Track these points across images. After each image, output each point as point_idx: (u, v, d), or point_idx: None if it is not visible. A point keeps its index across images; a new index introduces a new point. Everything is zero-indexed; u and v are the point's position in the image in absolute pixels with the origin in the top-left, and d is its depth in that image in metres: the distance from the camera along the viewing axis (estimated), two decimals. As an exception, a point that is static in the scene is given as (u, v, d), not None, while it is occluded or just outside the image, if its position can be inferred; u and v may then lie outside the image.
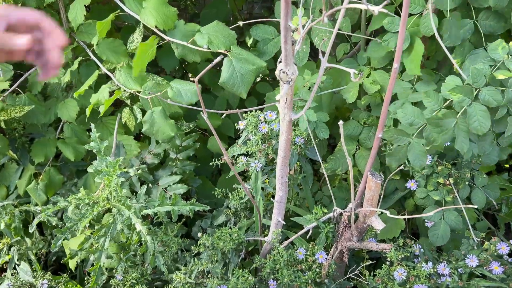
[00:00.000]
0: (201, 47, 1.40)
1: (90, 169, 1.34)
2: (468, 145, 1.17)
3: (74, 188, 1.74)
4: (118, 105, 1.99)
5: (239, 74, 1.36)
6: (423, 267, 1.26)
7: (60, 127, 1.82)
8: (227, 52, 1.39)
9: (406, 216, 1.14)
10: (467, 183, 1.53)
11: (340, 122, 0.98)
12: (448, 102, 1.20)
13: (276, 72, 0.98)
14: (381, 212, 1.18)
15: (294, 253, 1.32)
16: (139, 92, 1.50)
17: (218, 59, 1.06)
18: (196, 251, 1.33)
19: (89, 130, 1.97)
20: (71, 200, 1.21)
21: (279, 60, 0.96)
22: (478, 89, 1.16)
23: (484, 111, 1.14)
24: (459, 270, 1.30)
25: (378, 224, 1.25)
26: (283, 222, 1.36)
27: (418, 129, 1.20)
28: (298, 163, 1.55)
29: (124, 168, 1.60)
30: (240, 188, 1.53)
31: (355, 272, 1.43)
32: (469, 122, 1.15)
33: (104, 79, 1.72)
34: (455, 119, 1.17)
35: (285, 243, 1.46)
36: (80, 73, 1.85)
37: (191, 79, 2.35)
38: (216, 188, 1.60)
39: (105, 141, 1.38)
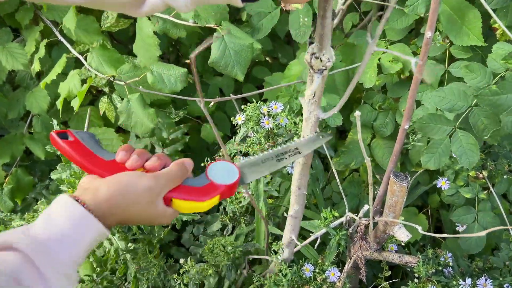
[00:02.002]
0: (186, 20, 1.15)
1: (53, 176, 1.12)
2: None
3: (46, 192, 1.51)
4: (99, 94, 1.76)
5: (232, 51, 1.10)
6: (460, 284, 1.03)
7: (28, 121, 1.58)
8: (217, 27, 1.14)
9: (438, 235, 0.90)
10: (504, 176, 1.29)
11: (357, 113, 0.74)
12: (497, 78, 0.94)
13: (306, 57, 0.74)
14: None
15: (300, 270, 1.09)
16: (114, 77, 1.26)
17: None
18: (180, 280, 1.10)
19: (64, 122, 1.74)
20: (27, 219, 0.99)
21: (295, 34, 0.72)
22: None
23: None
24: (505, 286, 1.07)
25: (402, 235, 1.01)
26: (298, 243, 1.13)
27: (462, 116, 0.94)
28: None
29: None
30: (239, 192, 1.30)
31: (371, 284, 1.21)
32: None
33: (80, 63, 1.48)
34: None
35: (291, 258, 1.24)
36: (53, 58, 1.62)
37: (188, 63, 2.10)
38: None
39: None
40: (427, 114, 0.95)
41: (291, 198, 1.07)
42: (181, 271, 1.08)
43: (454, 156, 1.23)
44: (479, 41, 1.11)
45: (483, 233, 0.78)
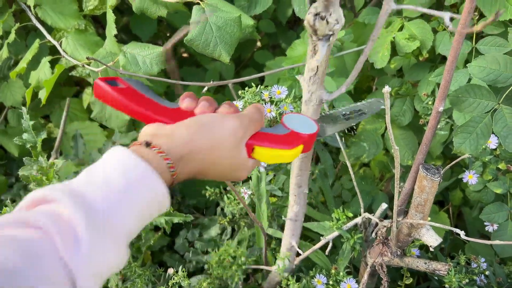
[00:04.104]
0: (165, -4, 0.98)
1: (20, 172, 0.96)
2: None
3: (24, 192, 1.36)
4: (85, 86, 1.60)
5: (214, 26, 0.92)
6: (498, 296, 0.88)
7: (3, 115, 1.43)
8: (201, 1, 0.97)
9: (480, 241, 0.75)
10: (539, 168, 1.13)
11: (386, 89, 0.58)
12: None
13: (308, 18, 0.58)
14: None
15: (310, 283, 0.94)
16: (89, 64, 1.10)
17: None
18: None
19: (46, 117, 1.58)
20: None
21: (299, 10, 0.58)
22: None
23: None
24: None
25: (431, 239, 0.86)
26: (299, 251, 0.98)
27: (508, 90, 0.77)
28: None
29: (83, 165, 1.22)
30: (238, 192, 1.14)
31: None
32: None
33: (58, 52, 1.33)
34: None
35: (297, 259, 1.08)
36: (29, 46, 1.46)
37: (184, 55, 1.95)
38: (206, 187, 1.22)
39: (42, 132, 0.99)
40: (464, 85, 0.78)
41: (290, 198, 0.92)
42: (170, 283, 0.92)
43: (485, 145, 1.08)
44: None
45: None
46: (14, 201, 1.38)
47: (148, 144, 0.49)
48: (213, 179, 0.58)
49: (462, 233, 0.70)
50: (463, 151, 0.79)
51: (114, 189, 0.43)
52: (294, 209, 0.93)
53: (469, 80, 0.96)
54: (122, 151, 0.46)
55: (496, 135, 0.82)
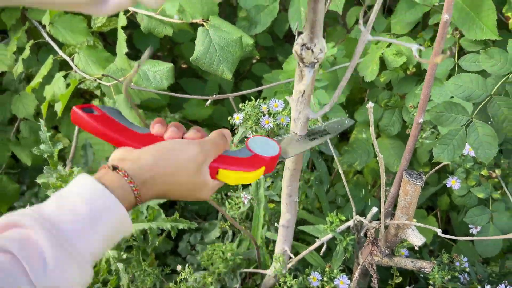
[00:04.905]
0: (171, 17, 1.07)
1: (39, 180, 1.04)
2: None
3: (35, 199, 1.43)
4: (92, 98, 1.68)
5: (218, 46, 1.01)
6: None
7: (16, 126, 1.51)
8: (205, 22, 1.06)
9: (458, 238, 0.83)
10: (519, 174, 1.22)
11: (370, 104, 0.67)
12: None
13: (296, 48, 0.67)
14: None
15: (306, 280, 1.01)
16: (101, 78, 1.18)
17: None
18: (177, 288, 1.02)
19: (55, 127, 1.66)
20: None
21: (296, 27, 0.65)
22: None
23: None
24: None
25: (416, 238, 0.94)
26: (291, 255, 1.05)
27: (479, 106, 0.87)
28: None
29: (93, 173, 1.29)
30: (238, 196, 1.22)
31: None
32: None
33: (70, 67, 1.41)
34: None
35: (294, 260, 1.16)
36: (40, 61, 1.55)
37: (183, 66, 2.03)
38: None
39: (58, 142, 1.07)
40: (442, 103, 0.88)
41: (281, 206, 1.00)
42: (178, 279, 1.00)
43: (465, 154, 1.17)
44: (494, 35, 1.04)
45: (506, 237, 0.70)
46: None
47: (114, 168, 0.54)
48: (177, 199, 0.63)
49: (438, 231, 0.79)
50: (441, 160, 0.88)
51: (79, 216, 0.47)
52: (286, 216, 1.02)
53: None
54: (88, 180, 0.51)
55: (473, 149, 0.91)
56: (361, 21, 0.77)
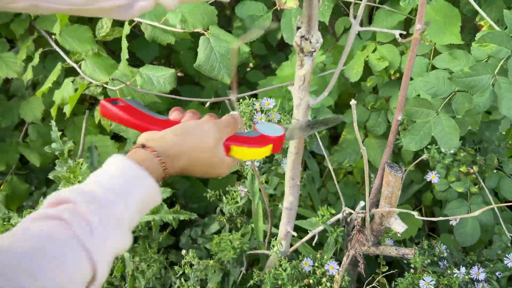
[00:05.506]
0: (174, 27, 1.17)
1: (51, 175, 1.12)
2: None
3: (43, 199, 1.51)
4: (96, 102, 1.77)
5: (218, 54, 1.12)
6: (454, 273, 1.05)
7: (24, 130, 1.59)
8: (205, 31, 1.16)
9: (430, 218, 0.93)
10: (494, 170, 1.32)
11: (353, 102, 0.77)
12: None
13: (296, 40, 0.78)
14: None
15: (299, 265, 1.11)
16: (107, 83, 1.28)
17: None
18: (181, 271, 1.10)
19: (60, 131, 1.74)
20: (24, 216, 0.99)
21: (297, 22, 0.77)
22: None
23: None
24: (496, 274, 1.09)
25: (398, 226, 1.04)
26: (294, 233, 1.15)
27: (445, 101, 0.97)
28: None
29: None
30: (235, 191, 1.32)
31: (370, 280, 1.22)
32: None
33: (75, 73, 1.50)
34: (491, 74, 0.94)
35: (288, 251, 1.25)
36: (46, 68, 1.64)
37: (179, 74, 2.13)
38: (208, 190, 1.39)
39: (68, 141, 1.16)
40: (411, 98, 0.98)
41: (285, 189, 1.09)
42: (182, 262, 1.09)
43: (443, 151, 1.27)
44: (457, 39, 1.16)
45: (477, 213, 0.80)
46: (33, 208, 1.53)
47: (143, 146, 0.62)
48: (198, 176, 0.71)
49: (415, 214, 0.88)
50: (410, 148, 0.99)
51: (115, 188, 0.55)
52: (289, 199, 1.11)
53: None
54: (120, 157, 0.58)
55: (437, 139, 1.01)
56: (351, 14, 0.88)
